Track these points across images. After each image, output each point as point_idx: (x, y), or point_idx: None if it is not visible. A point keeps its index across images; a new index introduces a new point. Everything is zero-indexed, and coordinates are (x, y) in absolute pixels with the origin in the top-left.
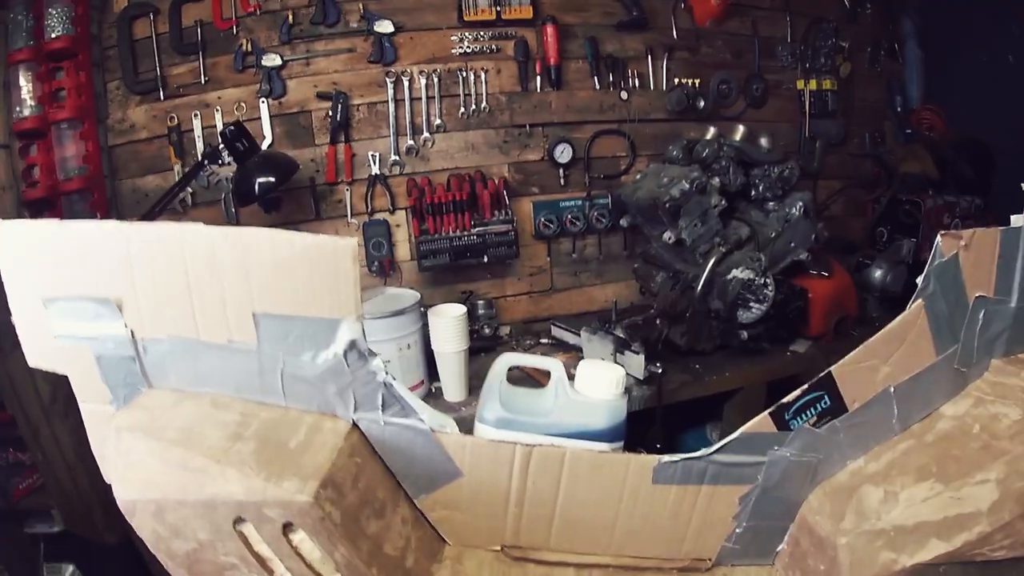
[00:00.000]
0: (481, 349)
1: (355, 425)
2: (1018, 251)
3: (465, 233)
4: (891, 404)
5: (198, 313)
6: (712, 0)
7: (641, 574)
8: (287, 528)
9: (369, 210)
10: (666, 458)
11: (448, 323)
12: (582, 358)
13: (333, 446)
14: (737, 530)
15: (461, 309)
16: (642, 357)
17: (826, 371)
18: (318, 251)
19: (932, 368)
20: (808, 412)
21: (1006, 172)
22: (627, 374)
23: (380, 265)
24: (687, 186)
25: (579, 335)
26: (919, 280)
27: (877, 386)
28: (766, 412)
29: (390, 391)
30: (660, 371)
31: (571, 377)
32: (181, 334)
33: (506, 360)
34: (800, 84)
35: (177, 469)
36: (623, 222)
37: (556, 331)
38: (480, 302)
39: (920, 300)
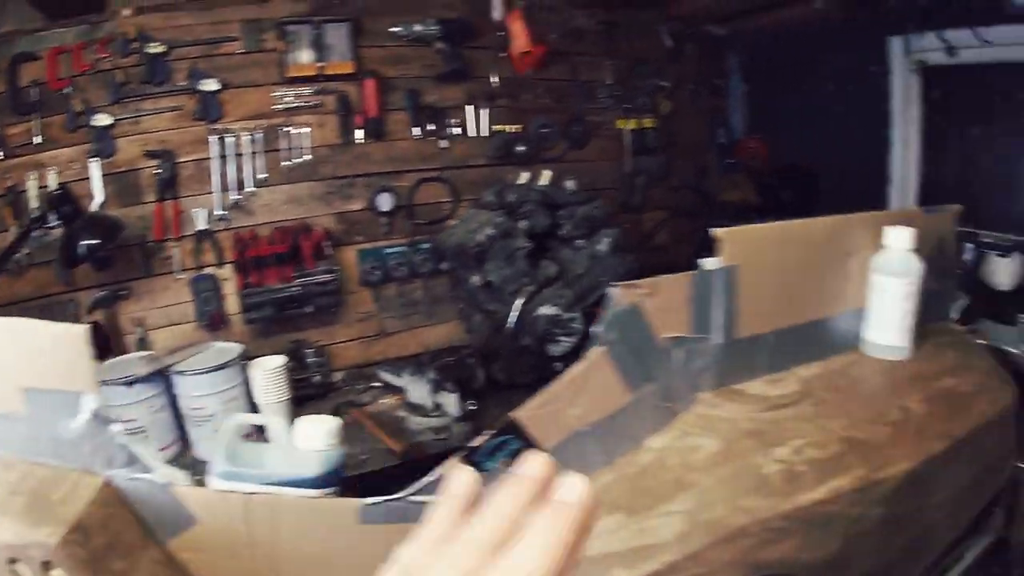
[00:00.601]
0: (313, 397)
1: (109, 480)
2: (713, 291)
3: (288, 285)
4: (587, 442)
5: None
6: (529, 52)
7: None
8: (46, 565)
9: (197, 265)
10: (368, 501)
11: (266, 375)
12: (408, 400)
13: (87, 498)
14: None
15: (279, 360)
16: (455, 396)
17: (508, 417)
18: (60, 338)
19: (630, 406)
20: (499, 455)
21: (828, 196)
22: (444, 411)
23: (210, 319)
24: (492, 231)
25: (402, 378)
26: (597, 330)
27: (568, 427)
28: (459, 456)
29: (129, 451)
30: (474, 407)
31: None
32: None
33: (233, 420)
34: (620, 124)
35: None
36: (443, 266)
37: (383, 374)
38: (309, 350)
39: (600, 347)
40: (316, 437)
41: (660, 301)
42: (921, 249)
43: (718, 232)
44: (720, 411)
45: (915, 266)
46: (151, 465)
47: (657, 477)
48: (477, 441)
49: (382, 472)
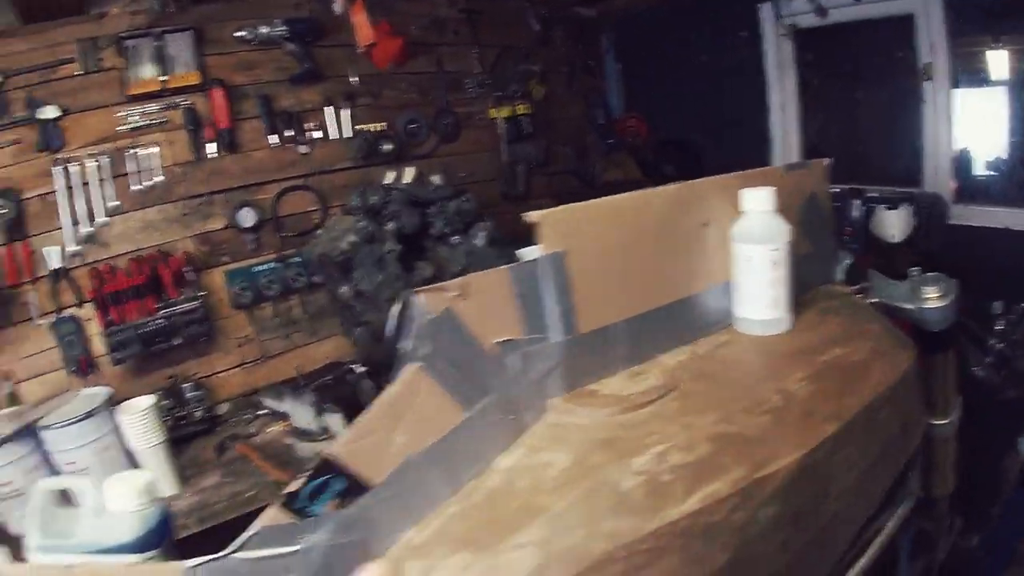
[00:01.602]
0: (197, 433)
1: None
2: (541, 283)
3: (151, 318)
4: (425, 469)
5: None
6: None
7: None
8: None
9: (57, 307)
10: (190, 563)
11: (136, 418)
12: (294, 426)
13: None
14: None
15: (149, 401)
16: (339, 415)
17: (322, 456)
18: None
19: (467, 424)
20: (325, 496)
21: (712, 166)
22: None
23: (78, 364)
24: (355, 238)
25: (284, 402)
26: (402, 345)
27: (396, 457)
28: (277, 504)
29: None
30: None
31: None
32: None
33: (42, 486)
34: (493, 113)
35: None
36: (315, 279)
37: (267, 401)
38: (187, 385)
39: (414, 365)
40: (126, 496)
41: (477, 303)
42: (788, 210)
43: (532, 216)
44: (572, 418)
45: (781, 229)
46: None
47: (505, 504)
48: (293, 484)
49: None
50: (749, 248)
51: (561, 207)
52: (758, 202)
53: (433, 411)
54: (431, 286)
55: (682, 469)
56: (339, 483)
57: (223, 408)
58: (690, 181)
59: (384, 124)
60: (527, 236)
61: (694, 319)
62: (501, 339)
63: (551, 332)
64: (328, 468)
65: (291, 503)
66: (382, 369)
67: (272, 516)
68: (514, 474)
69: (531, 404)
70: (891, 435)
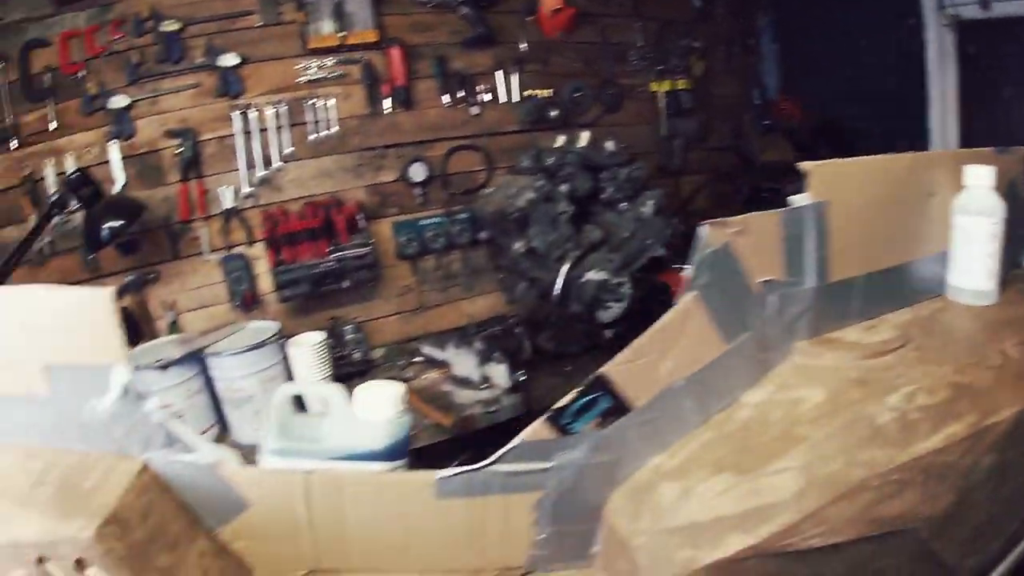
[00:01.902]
0: (353, 375)
1: (147, 464)
2: (805, 231)
3: (322, 260)
4: (682, 397)
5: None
6: (560, 10)
7: None
8: (80, 563)
9: (227, 245)
10: (444, 473)
11: (307, 352)
12: (453, 375)
13: (124, 485)
14: (540, 536)
15: (319, 337)
16: (504, 366)
17: (597, 372)
18: (81, 303)
19: (724, 358)
20: (588, 414)
21: (863, 152)
22: (493, 383)
23: (243, 299)
24: (533, 195)
25: (446, 351)
26: (686, 272)
27: (661, 381)
28: (543, 418)
29: (168, 431)
30: (524, 378)
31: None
32: None
33: (284, 390)
34: (654, 86)
35: None
36: (482, 235)
37: (426, 349)
38: (348, 327)
39: (693, 292)
40: (380, 405)
41: (752, 241)
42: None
43: (806, 165)
44: (821, 360)
45: (998, 205)
46: (194, 445)
47: (763, 433)
48: (564, 400)
49: (433, 448)
50: (970, 220)
51: (828, 161)
52: (981, 177)
53: (699, 340)
54: (716, 220)
55: (928, 410)
56: (605, 402)
57: (378, 353)
58: (920, 152)
59: (551, 91)
60: (683, 209)
61: (915, 283)
62: (766, 278)
63: (806, 277)
64: (599, 386)
65: (556, 419)
66: (540, 326)
67: (535, 431)
68: (767, 407)
69: (780, 345)
70: None
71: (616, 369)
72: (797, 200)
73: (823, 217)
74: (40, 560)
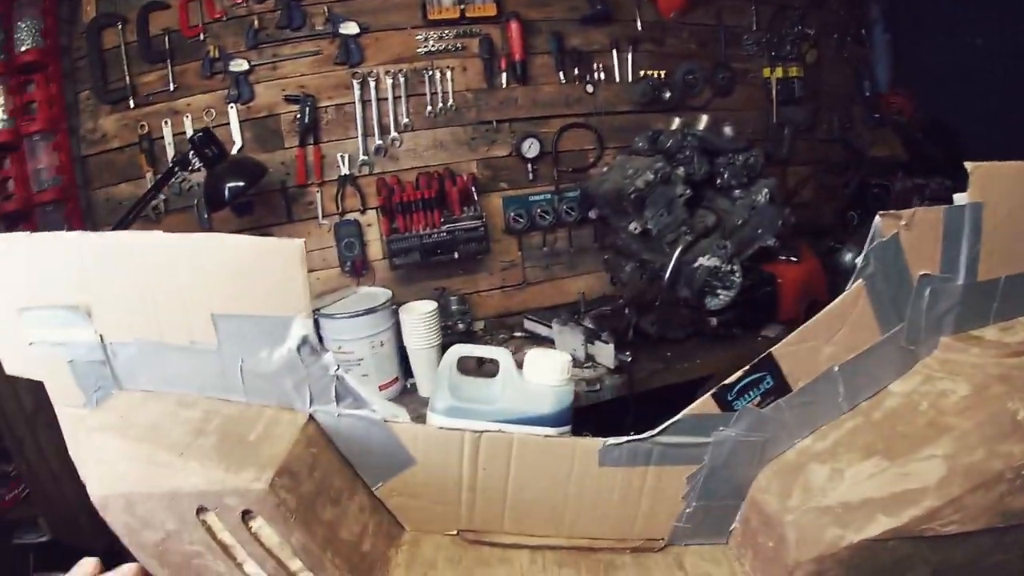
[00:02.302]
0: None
1: (312, 418)
2: (963, 228)
3: (435, 230)
4: (836, 383)
5: (162, 317)
6: None
7: (594, 555)
8: (246, 515)
9: (340, 211)
10: (611, 441)
11: (418, 320)
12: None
13: (290, 437)
14: (687, 510)
15: (431, 305)
16: (612, 346)
17: (767, 352)
18: (268, 254)
19: (877, 347)
20: (751, 393)
21: (975, 154)
22: (597, 363)
23: (353, 265)
24: (652, 176)
25: (551, 327)
26: (858, 260)
27: (820, 365)
28: (708, 393)
29: (343, 384)
30: (630, 359)
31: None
32: (147, 337)
33: (455, 351)
34: (767, 72)
35: (144, 464)
36: (592, 214)
37: (529, 324)
38: (453, 298)
39: (860, 280)
40: (550, 371)
41: (916, 235)
42: None
43: (968, 165)
44: (965, 356)
45: None
46: (368, 400)
47: (911, 421)
48: (731, 378)
49: None
50: None
51: (986, 163)
52: None
53: (859, 328)
54: (890, 211)
55: None
56: (767, 383)
57: (479, 325)
58: None
59: (664, 72)
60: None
61: None
62: (924, 272)
63: (958, 274)
64: (766, 366)
65: (721, 395)
66: (646, 309)
67: (702, 404)
68: (914, 397)
69: (928, 338)
70: None
71: (783, 350)
72: (959, 199)
73: (979, 217)
74: (201, 510)
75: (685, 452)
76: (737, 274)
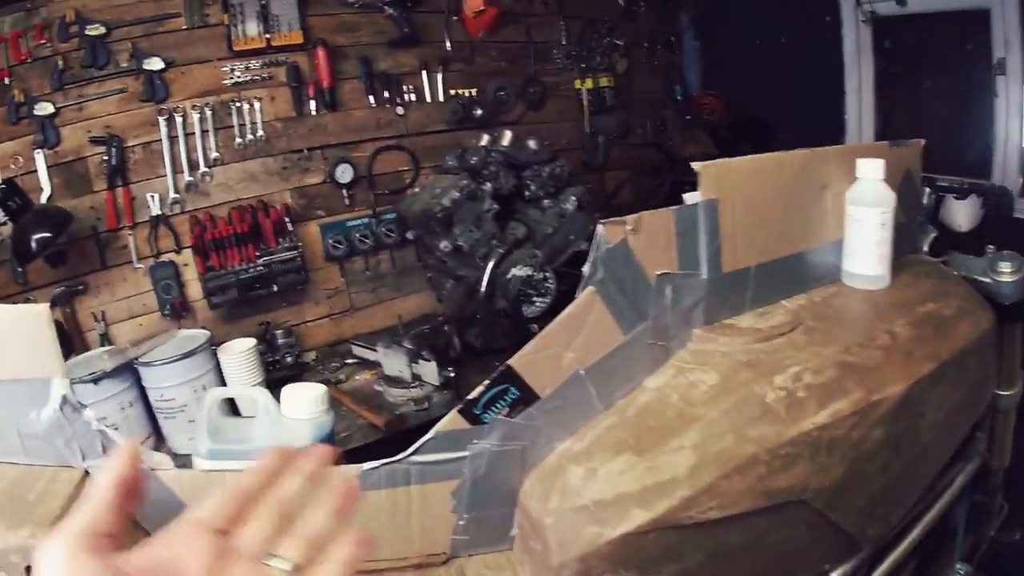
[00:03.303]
0: (286, 379)
1: (88, 472)
2: (698, 226)
3: (251, 265)
4: (586, 385)
5: None
6: (484, 11)
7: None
8: (28, 572)
9: (155, 252)
10: (367, 465)
11: (237, 358)
12: (385, 374)
13: (65, 494)
14: (460, 522)
15: (249, 343)
16: (434, 364)
17: (505, 364)
18: (18, 320)
19: (624, 347)
20: (498, 404)
21: (783, 146)
22: (424, 381)
23: (173, 307)
24: (457, 194)
25: (377, 351)
26: (585, 269)
27: (565, 371)
28: (455, 410)
29: (106, 437)
30: (452, 375)
31: None
32: None
33: (214, 394)
34: (577, 84)
35: None
36: (409, 235)
37: (356, 350)
38: (279, 332)
39: (591, 287)
40: (303, 404)
41: (646, 237)
42: (890, 182)
43: (696, 165)
44: (715, 345)
45: (888, 196)
46: None
47: (660, 414)
48: (474, 392)
49: (367, 448)
50: (861, 210)
51: (717, 160)
52: (871, 170)
53: (600, 331)
54: (612, 219)
55: (814, 388)
56: (513, 392)
57: (310, 356)
58: (815, 148)
59: (475, 90)
60: (607, 204)
61: (809, 271)
62: (661, 271)
63: (700, 269)
64: (507, 378)
65: (468, 410)
66: (467, 323)
67: (451, 420)
68: (665, 391)
69: (678, 332)
70: (972, 385)
71: (522, 361)
72: (690, 198)
73: (714, 212)
74: None
75: (443, 468)
76: (551, 281)
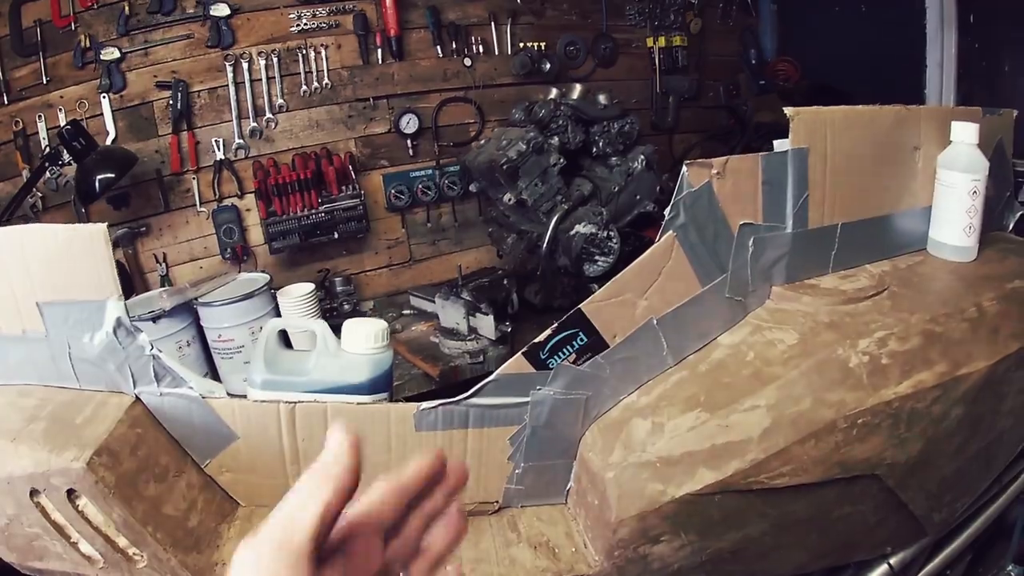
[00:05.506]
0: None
1: (139, 399)
2: (786, 176)
3: (313, 211)
4: (658, 337)
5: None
6: None
7: None
8: (71, 494)
9: (217, 197)
10: (424, 405)
11: (295, 302)
12: (441, 326)
13: (113, 419)
14: (517, 471)
15: (308, 287)
16: (491, 318)
17: (575, 308)
18: (75, 240)
19: (700, 299)
20: (565, 350)
21: None
22: (480, 335)
23: (234, 251)
24: (524, 147)
25: (435, 303)
26: (667, 212)
27: (637, 320)
28: (520, 353)
29: (160, 363)
30: (509, 330)
31: None
32: None
33: (272, 324)
34: (650, 42)
35: None
36: (472, 188)
37: (414, 301)
38: (338, 279)
39: (671, 232)
40: (364, 339)
41: (732, 183)
42: (982, 151)
43: (789, 110)
44: (796, 304)
45: (982, 162)
46: (185, 378)
47: (735, 372)
48: (541, 336)
49: (420, 397)
50: (953, 175)
51: (811, 107)
52: (966, 134)
53: (676, 280)
54: (698, 160)
55: (899, 355)
56: (580, 339)
57: (368, 305)
58: (908, 106)
59: (544, 43)
60: (676, 166)
61: (895, 236)
62: (744, 221)
63: (785, 223)
64: (576, 323)
65: (533, 354)
66: (527, 279)
67: (514, 364)
68: (741, 348)
69: (757, 289)
70: None
71: (593, 306)
72: (779, 145)
73: (804, 163)
74: (32, 493)
75: (502, 413)
76: (615, 240)
